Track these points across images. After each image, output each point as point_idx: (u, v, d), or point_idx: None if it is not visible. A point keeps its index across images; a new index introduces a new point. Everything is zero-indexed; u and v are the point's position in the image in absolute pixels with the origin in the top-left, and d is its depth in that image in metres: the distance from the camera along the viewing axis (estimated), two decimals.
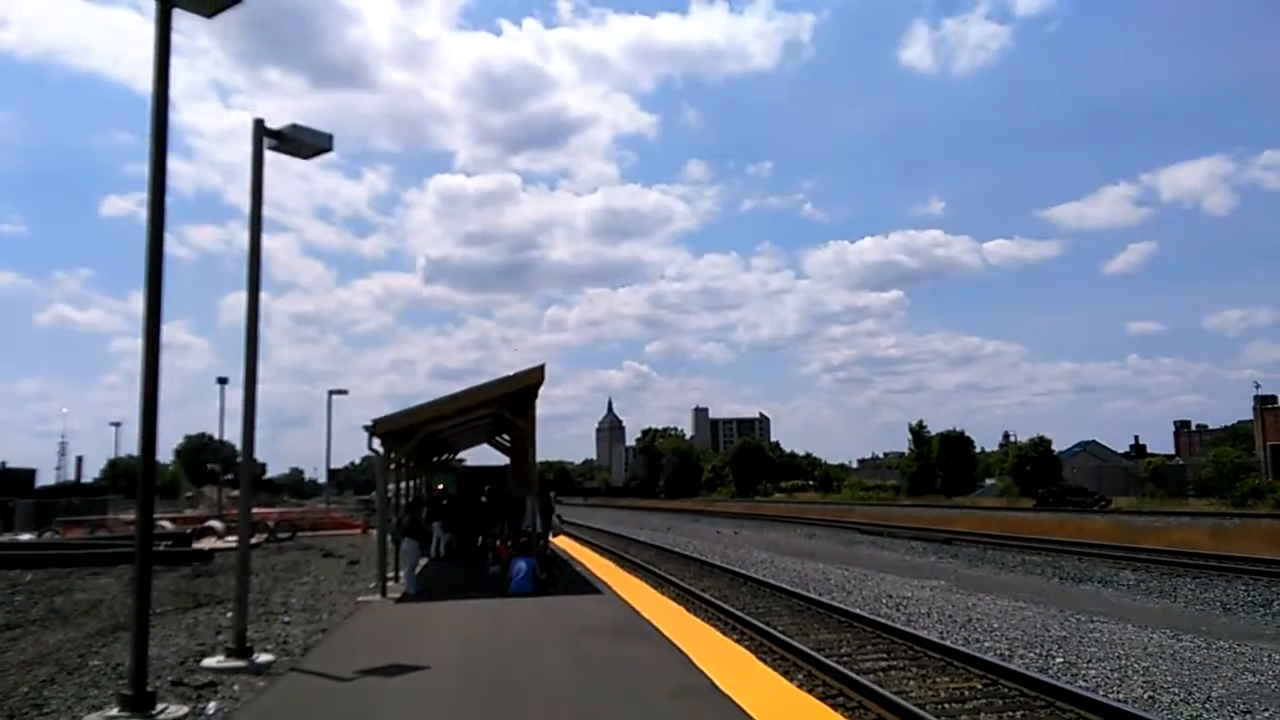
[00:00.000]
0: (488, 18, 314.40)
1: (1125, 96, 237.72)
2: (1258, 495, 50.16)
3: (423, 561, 20.42)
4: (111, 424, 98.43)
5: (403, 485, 27.71)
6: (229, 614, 12.94)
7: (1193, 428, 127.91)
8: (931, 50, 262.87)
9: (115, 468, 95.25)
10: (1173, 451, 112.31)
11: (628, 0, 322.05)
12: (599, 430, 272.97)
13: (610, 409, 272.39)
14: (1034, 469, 71.71)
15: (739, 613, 15.13)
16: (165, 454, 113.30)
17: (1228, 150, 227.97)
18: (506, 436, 27.67)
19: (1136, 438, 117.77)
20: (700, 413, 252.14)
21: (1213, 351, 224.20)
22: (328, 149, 11.64)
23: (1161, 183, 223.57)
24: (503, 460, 29.77)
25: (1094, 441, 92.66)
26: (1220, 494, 55.90)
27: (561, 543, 22.69)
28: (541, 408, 27.79)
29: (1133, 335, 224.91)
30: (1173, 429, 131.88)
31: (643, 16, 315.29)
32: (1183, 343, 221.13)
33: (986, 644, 12.70)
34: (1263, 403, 68.38)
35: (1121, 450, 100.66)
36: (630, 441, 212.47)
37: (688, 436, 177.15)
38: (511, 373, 18.74)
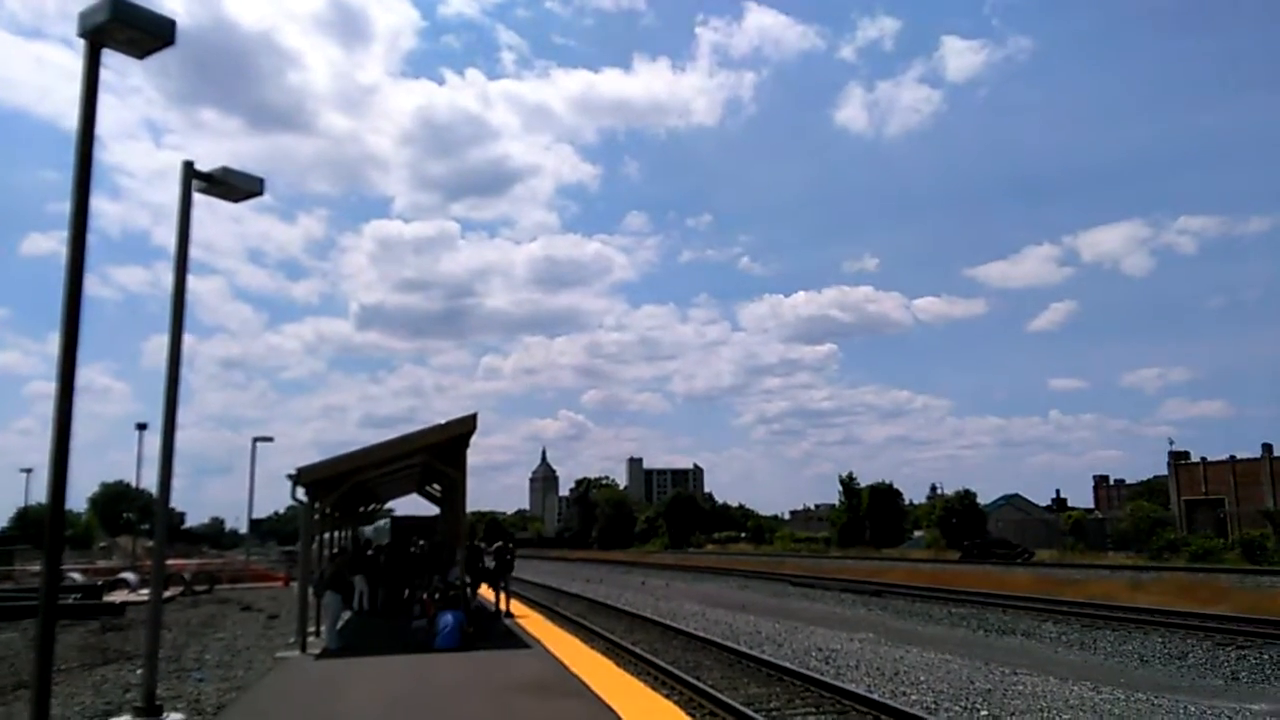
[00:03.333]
0: (430, 66, 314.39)
1: (1049, 161, 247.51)
2: (1173, 549, 51.67)
3: (345, 615, 19.88)
4: (22, 470, 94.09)
5: (329, 536, 27.03)
6: (139, 671, 12.40)
7: (1111, 482, 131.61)
8: (866, 112, 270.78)
9: (25, 516, 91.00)
10: (1092, 505, 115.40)
11: (571, 54, 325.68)
12: (532, 480, 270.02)
13: (544, 459, 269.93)
14: (960, 522, 72.97)
15: (669, 667, 15.00)
16: (79, 502, 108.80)
17: (1145, 215, 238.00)
18: (437, 486, 27.24)
19: (1058, 491, 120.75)
20: (635, 463, 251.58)
21: (1130, 408, 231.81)
22: (259, 193, 11.50)
23: (1082, 244, 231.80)
24: (432, 510, 29.26)
25: (1017, 495, 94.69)
26: (1137, 547, 57.49)
27: (489, 596, 22.30)
28: (474, 457, 27.52)
29: (1055, 391, 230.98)
30: (1092, 483, 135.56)
31: (586, 71, 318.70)
32: (1102, 399, 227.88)
33: (913, 697, 12.79)
34: (1176, 459, 70.77)
35: (1044, 504, 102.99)
36: (564, 491, 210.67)
37: (622, 486, 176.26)
38: (443, 421, 18.54)
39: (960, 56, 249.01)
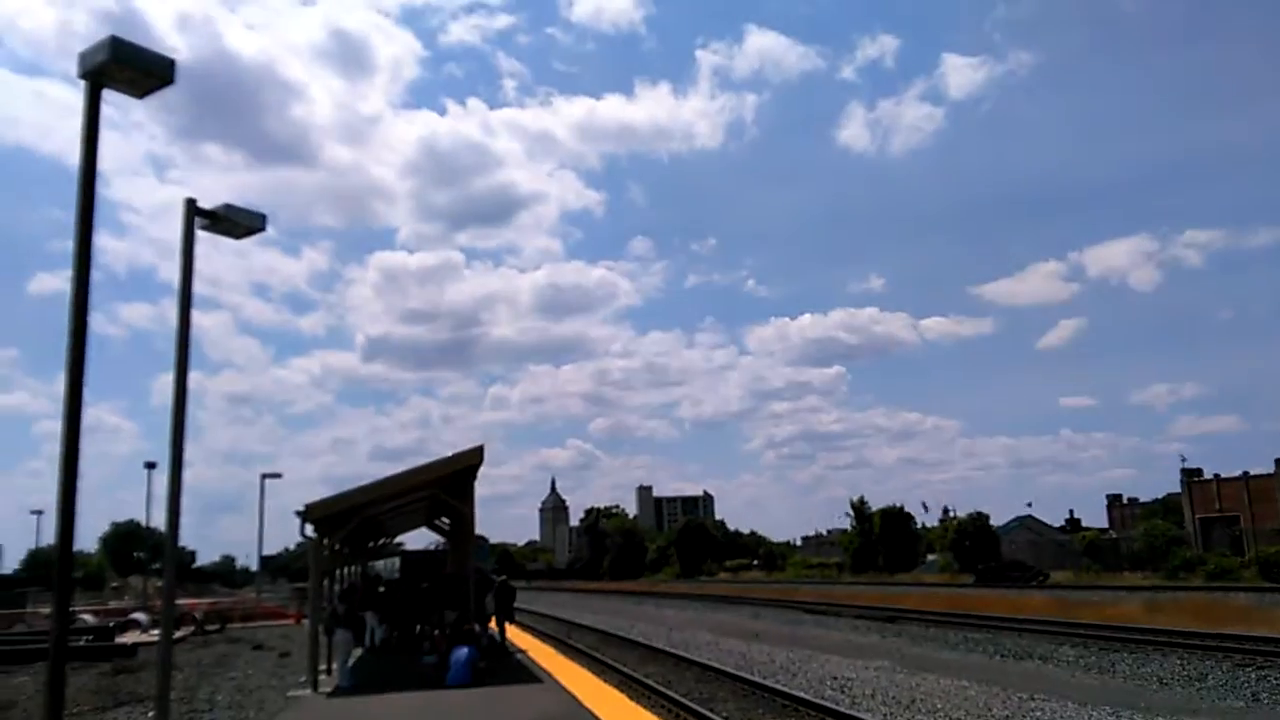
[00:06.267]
0: (433, 96, 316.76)
1: (1053, 176, 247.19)
2: (1189, 568, 51.19)
3: (357, 652, 19.78)
4: (33, 512, 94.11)
5: (340, 572, 26.95)
6: (150, 713, 12.34)
7: (1124, 501, 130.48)
8: (868, 131, 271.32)
9: (36, 558, 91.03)
10: (1106, 525, 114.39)
11: (573, 81, 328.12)
12: (542, 510, 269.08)
13: (554, 488, 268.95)
14: (973, 544, 72.38)
15: (683, 699, 14.87)
16: (90, 542, 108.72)
17: (1152, 229, 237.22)
18: (446, 519, 27.19)
19: (1071, 511, 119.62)
20: (644, 491, 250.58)
21: (1141, 425, 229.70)
22: (261, 229, 11.55)
23: (1088, 260, 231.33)
24: (441, 544, 29.18)
25: (1030, 516, 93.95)
26: (1153, 567, 56.94)
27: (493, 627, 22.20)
28: (482, 488, 27.55)
29: (1065, 410, 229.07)
30: (1105, 502, 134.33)
31: (588, 97, 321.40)
32: (1113, 417, 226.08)
33: None
34: (1189, 476, 70.23)
35: (1057, 524, 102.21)
36: (574, 521, 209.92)
37: (632, 515, 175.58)
38: (451, 453, 18.55)
39: (961, 73, 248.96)
